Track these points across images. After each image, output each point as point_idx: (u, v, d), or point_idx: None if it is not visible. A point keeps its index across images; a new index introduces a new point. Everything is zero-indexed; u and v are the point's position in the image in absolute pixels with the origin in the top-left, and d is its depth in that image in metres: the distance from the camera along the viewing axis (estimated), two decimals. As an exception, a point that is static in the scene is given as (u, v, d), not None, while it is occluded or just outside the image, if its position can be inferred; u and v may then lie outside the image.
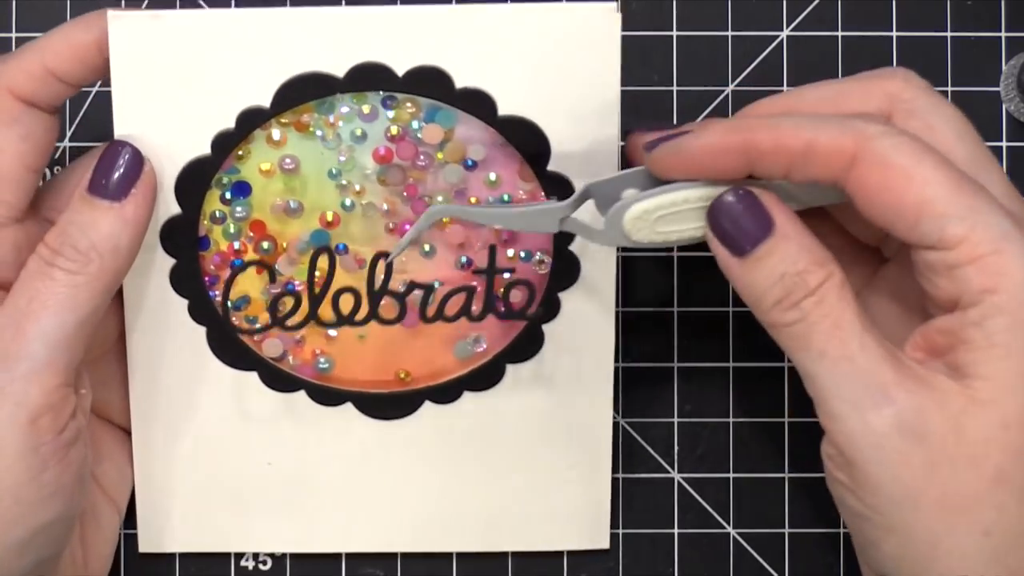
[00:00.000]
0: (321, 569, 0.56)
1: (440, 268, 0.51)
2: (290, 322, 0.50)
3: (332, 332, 0.52)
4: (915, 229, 0.42)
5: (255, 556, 0.56)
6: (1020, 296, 0.42)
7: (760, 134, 0.44)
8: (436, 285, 0.51)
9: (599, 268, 0.51)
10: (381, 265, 0.50)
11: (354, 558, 0.56)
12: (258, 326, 0.51)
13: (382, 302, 0.51)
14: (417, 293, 0.51)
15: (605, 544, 0.55)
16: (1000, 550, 0.42)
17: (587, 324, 0.52)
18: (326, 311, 0.51)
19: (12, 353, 0.46)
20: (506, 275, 0.51)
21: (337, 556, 0.56)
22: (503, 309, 0.51)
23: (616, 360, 0.53)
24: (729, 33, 0.56)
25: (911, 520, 0.43)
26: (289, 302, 0.50)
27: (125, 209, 0.47)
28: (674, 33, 0.56)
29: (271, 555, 0.56)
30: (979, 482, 0.42)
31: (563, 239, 0.50)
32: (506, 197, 0.50)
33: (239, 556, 0.56)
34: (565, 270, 0.51)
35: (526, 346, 0.52)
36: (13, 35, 0.56)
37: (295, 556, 0.56)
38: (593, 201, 0.47)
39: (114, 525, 0.54)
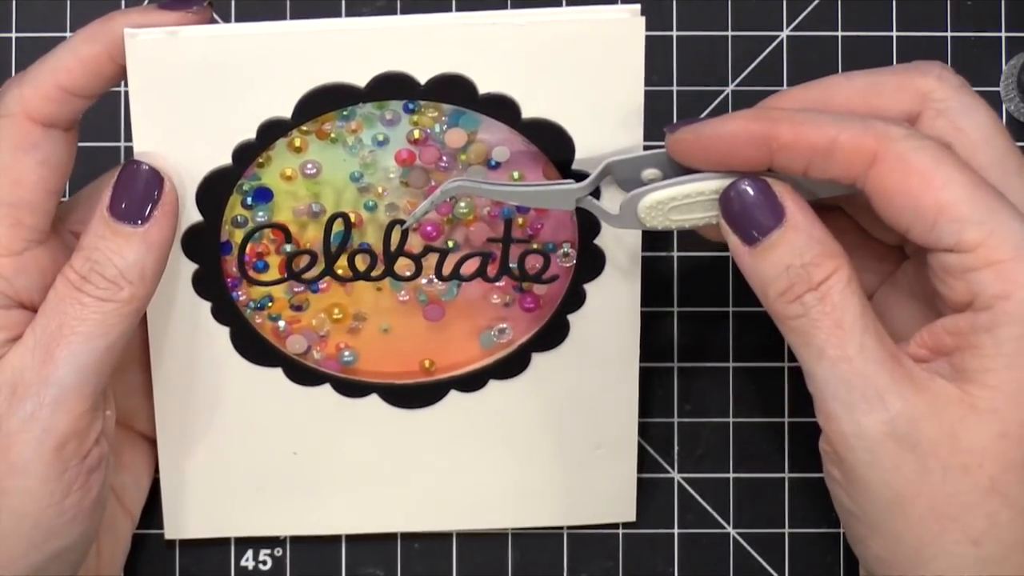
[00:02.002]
0: (321, 568, 0.56)
1: (460, 250, 0.51)
2: (306, 276, 0.51)
3: (355, 311, 0.52)
4: (932, 232, 0.43)
5: (255, 556, 0.56)
6: None
7: (782, 126, 0.44)
8: (450, 245, 0.51)
9: (625, 259, 0.51)
10: (397, 231, 0.50)
11: (354, 558, 0.56)
12: (272, 278, 0.51)
13: (398, 261, 0.51)
14: (433, 255, 0.51)
15: (632, 517, 0.55)
16: (989, 560, 0.43)
17: (613, 313, 0.52)
18: (342, 268, 0.51)
19: (42, 378, 0.45)
20: (522, 245, 0.51)
21: (337, 556, 0.56)
22: (519, 272, 0.51)
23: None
24: (729, 33, 0.56)
25: (900, 524, 0.43)
26: (305, 259, 0.50)
27: (149, 233, 0.46)
28: (674, 33, 0.56)
29: (272, 555, 0.56)
30: (971, 491, 0.42)
31: (588, 232, 0.50)
32: None
33: (239, 555, 0.56)
34: (590, 262, 0.51)
35: (552, 336, 0.52)
36: (13, 35, 0.56)
37: (295, 556, 0.56)
38: (612, 177, 0.47)
39: (128, 533, 0.54)
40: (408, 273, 0.51)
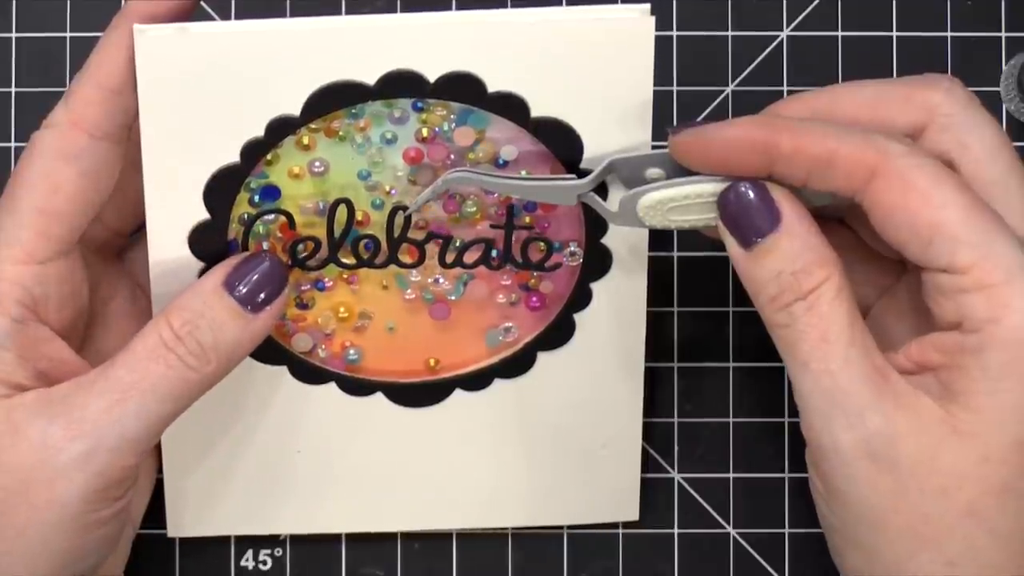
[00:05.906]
0: (321, 568, 0.56)
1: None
2: (311, 263, 0.50)
3: (355, 289, 0.52)
4: (927, 251, 0.43)
5: (255, 556, 0.56)
6: (1021, 332, 0.42)
7: (783, 135, 0.43)
8: (457, 244, 0.51)
9: (632, 259, 0.51)
10: (400, 217, 0.50)
11: (354, 558, 0.56)
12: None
13: (401, 248, 0.51)
14: (436, 242, 0.51)
15: (634, 516, 0.55)
16: None
17: (619, 313, 0.52)
18: (346, 256, 0.51)
19: (107, 423, 0.45)
20: (524, 232, 0.51)
21: (337, 556, 0.56)
22: (521, 260, 0.51)
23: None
24: (729, 33, 0.56)
25: (876, 541, 0.43)
26: (309, 245, 0.50)
27: (256, 323, 0.47)
28: (674, 33, 0.56)
29: (272, 555, 0.56)
30: (948, 513, 0.42)
31: (596, 231, 0.50)
32: None
33: (239, 555, 0.56)
34: (597, 261, 0.51)
35: (557, 335, 0.52)
36: (13, 35, 0.56)
37: (295, 556, 0.56)
38: (616, 175, 0.47)
39: (129, 539, 0.54)
40: (411, 260, 0.51)
